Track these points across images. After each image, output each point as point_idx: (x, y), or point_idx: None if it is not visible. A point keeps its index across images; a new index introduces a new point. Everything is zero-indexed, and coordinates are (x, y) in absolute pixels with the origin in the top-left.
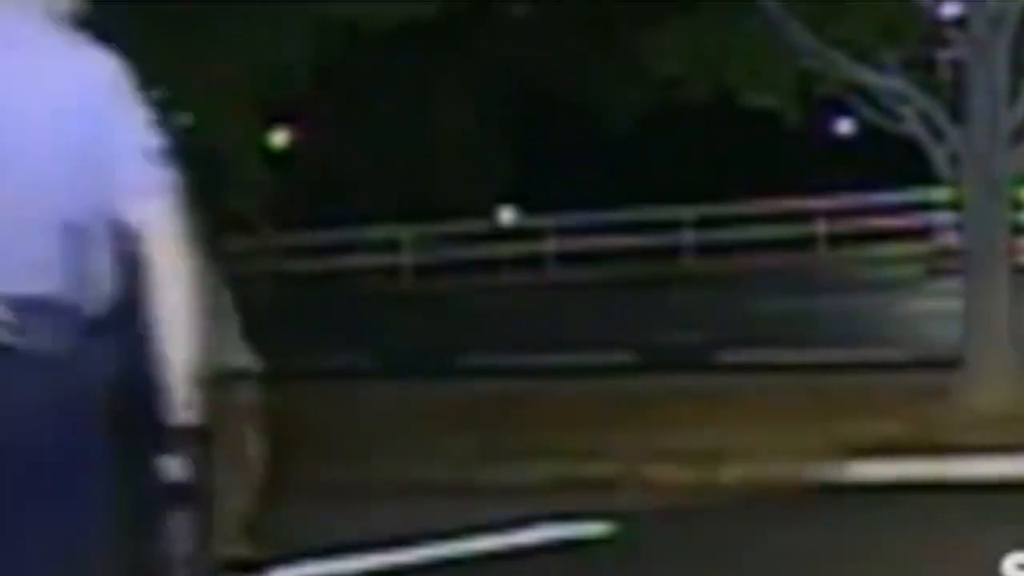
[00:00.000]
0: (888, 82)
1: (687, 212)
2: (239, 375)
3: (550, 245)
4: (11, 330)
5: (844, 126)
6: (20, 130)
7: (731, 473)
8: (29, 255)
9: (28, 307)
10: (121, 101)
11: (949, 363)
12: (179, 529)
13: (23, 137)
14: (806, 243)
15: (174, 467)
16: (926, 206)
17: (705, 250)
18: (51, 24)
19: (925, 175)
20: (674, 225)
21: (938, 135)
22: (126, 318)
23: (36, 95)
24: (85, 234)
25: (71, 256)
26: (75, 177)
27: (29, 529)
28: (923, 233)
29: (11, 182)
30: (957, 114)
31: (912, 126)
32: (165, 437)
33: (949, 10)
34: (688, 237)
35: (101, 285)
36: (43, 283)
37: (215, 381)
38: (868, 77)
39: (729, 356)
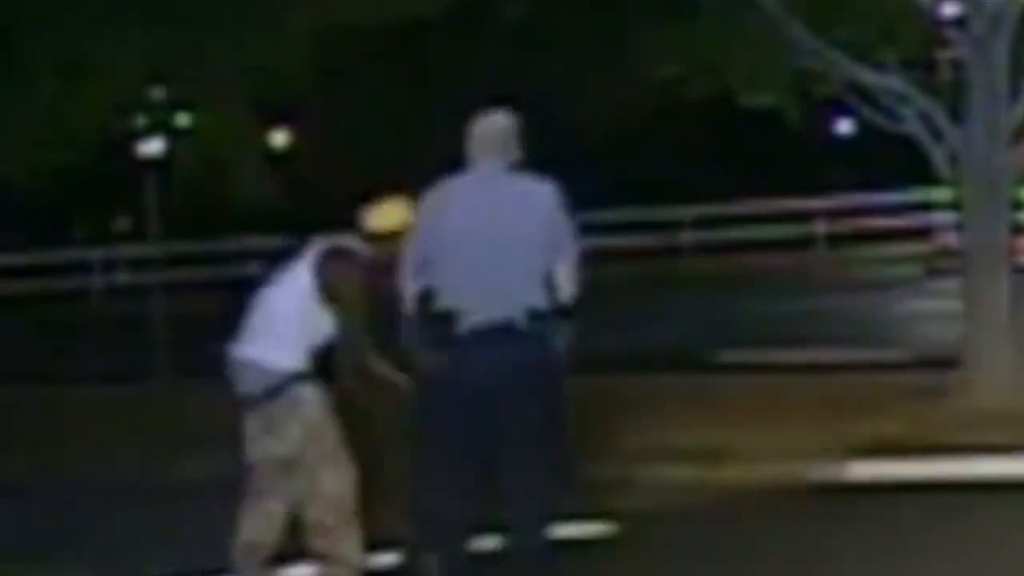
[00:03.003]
0: (888, 82)
1: (687, 212)
2: (300, 376)
3: None
4: (523, 324)
5: (844, 126)
6: (521, 228)
7: (731, 473)
8: (530, 287)
9: (530, 313)
10: (560, 208)
11: (949, 363)
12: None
13: (524, 230)
14: (806, 243)
15: (567, 329)
16: (926, 206)
17: (705, 250)
18: (511, 168)
19: (925, 175)
20: (674, 225)
21: (938, 135)
22: (553, 313)
23: (524, 208)
24: (546, 275)
25: (543, 287)
26: (544, 249)
27: (526, 411)
28: (923, 233)
29: (521, 253)
30: (957, 114)
31: (912, 126)
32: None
33: (949, 10)
34: (688, 237)
35: (547, 298)
36: (536, 299)
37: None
38: (868, 77)
39: (729, 356)
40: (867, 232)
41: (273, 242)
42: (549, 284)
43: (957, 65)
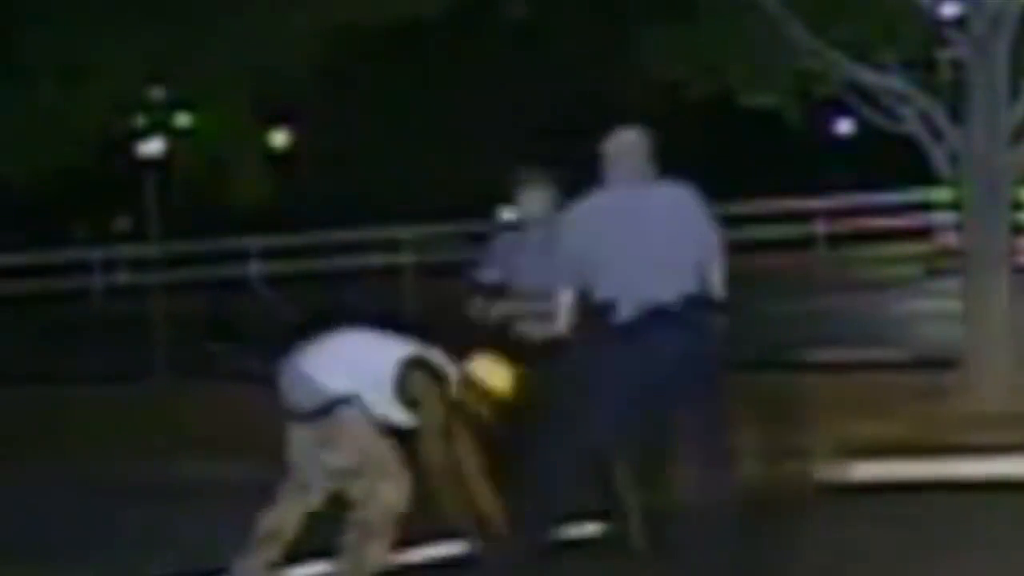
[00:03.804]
0: (888, 82)
1: None
2: (347, 399)
3: None
4: (681, 311)
5: (844, 126)
6: (671, 225)
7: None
8: (686, 277)
9: (687, 300)
10: (700, 206)
11: (949, 363)
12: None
13: (674, 227)
14: (806, 243)
15: (721, 322)
16: (926, 206)
17: None
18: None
19: (925, 175)
20: None
21: (938, 135)
22: (705, 300)
23: (670, 207)
24: (699, 265)
25: (698, 275)
26: (694, 244)
27: (692, 401)
28: (923, 233)
29: (674, 247)
30: (957, 114)
31: (912, 126)
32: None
33: (949, 10)
34: None
35: (701, 289)
36: (692, 288)
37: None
38: (868, 77)
39: (729, 356)
40: (867, 232)
41: (273, 242)
42: (702, 277)
43: (957, 65)
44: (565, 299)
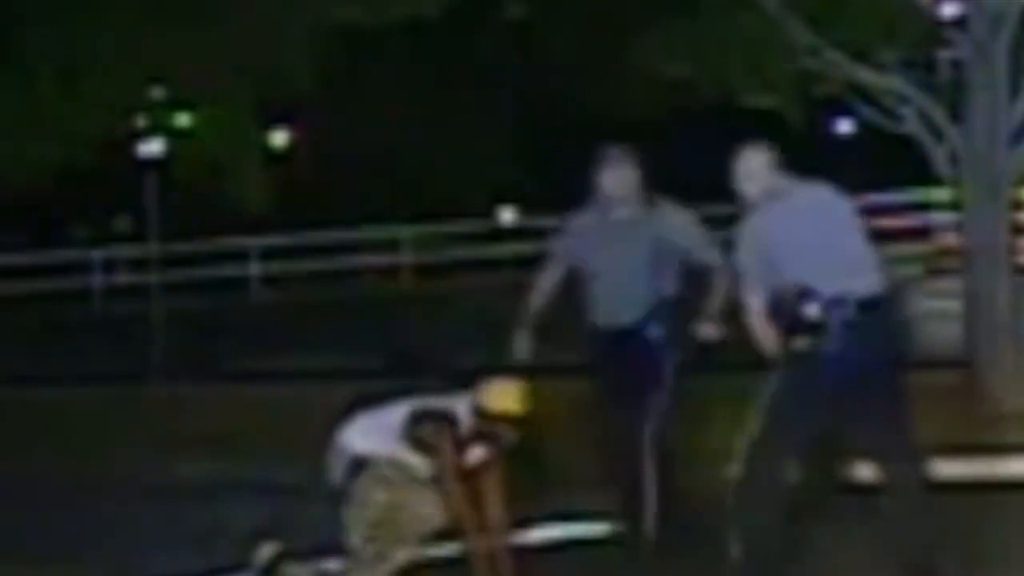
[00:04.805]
0: (888, 82)
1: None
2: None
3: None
4: (876, 301)
5: (844, 126)
6: (835, 218)
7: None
8: (867, 275)
9: (876, 290)
10: (846, 200)
11: (950, 363)
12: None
13: (835, 221)
14: None
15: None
16: (926, 206)
17: None
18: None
19: (925, 175)
20: None
21: (938, 135)
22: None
23: (828, 204)
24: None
25: (879, 271)
26: (858, 232)
27: (880, 400)
28: (923, 233)
29: (844, 241)
30: (957, 114)
31: (912, 126)
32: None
33: (949, 10)
34: None
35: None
36: (876, 286)
37: None
38: (868, 77)
39: (730, 356)
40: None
41: (273, 242)
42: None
43: (957, 65)
44: (756, 304)
